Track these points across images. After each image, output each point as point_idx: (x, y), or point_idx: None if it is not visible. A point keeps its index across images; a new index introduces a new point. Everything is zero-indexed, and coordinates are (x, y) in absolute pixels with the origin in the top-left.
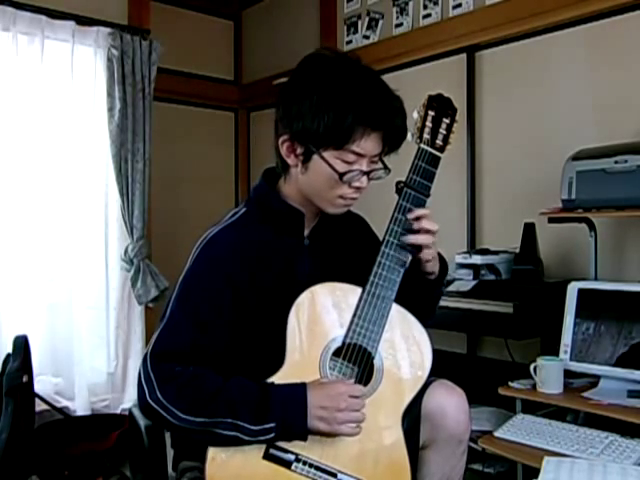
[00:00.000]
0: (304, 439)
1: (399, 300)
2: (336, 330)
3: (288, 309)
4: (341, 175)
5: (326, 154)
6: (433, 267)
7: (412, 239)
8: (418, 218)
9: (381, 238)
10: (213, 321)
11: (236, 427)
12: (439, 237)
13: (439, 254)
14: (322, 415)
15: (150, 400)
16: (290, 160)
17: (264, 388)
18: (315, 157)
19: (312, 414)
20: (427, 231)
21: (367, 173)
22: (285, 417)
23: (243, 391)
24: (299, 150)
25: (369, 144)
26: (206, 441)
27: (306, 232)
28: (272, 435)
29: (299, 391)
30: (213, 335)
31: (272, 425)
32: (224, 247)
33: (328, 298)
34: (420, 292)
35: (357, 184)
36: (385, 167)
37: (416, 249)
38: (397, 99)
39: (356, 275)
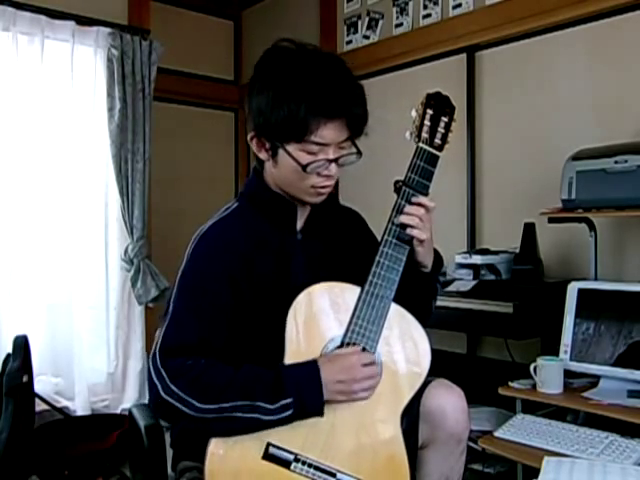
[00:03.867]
0: (321, 414)
1: (396, 298)
2: (335, 330)
3: (284, 305)
4: (304, 167)
5: (289, 147)
6: (424, 257)
7: (402, 218)
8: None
9: (379, 237)
10: (215, 315)
11: (254, 408)
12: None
13: (435, 250)
14: (340, 389)
15: (164, 394)
16: (262, 155)
17: (276, 369)
18: (280, 151)
19: (329, 389)
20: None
21: (334, 160)
22: (301, 392)
23: (256, 374)
24: (267, 145)
25: (328, 133)
26: (226, 429)
27: (299, 225)
28: (290, 412)
29: (311, 367)
30: (216, 329)
31: (289, 401)
32: (219, 240)
33: (326, 298)
34: (414, 285)
35: (325, 172)
36: (357, 151)
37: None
38: (354, 85)
39: (350, 269)
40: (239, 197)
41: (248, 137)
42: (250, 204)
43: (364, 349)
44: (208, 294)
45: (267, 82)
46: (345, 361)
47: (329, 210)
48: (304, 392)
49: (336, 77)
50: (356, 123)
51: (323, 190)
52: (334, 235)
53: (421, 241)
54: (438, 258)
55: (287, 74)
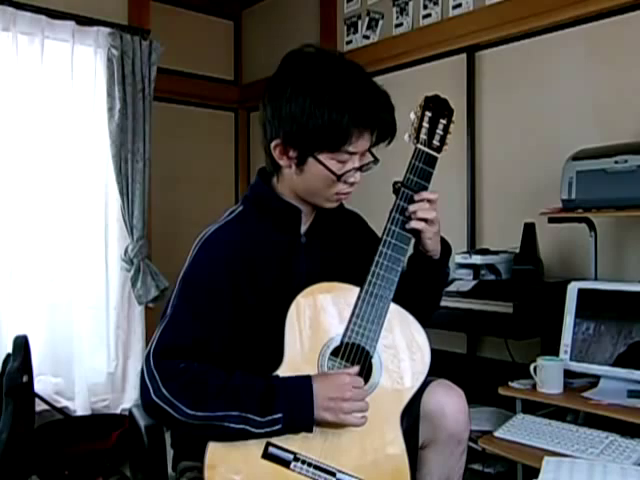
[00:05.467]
0: (310, 430)
1: (407, 287)
2: (334, 330)
3: (286, 308)
4: (339, 176)
5: (321, 156)
6: (434, 245)
7: (413, 224)
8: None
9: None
10: (215, 319)
11: (243, 420)
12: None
13: (443, 239)
14: (328, 405)
15: (155, 397)
16: (283, 162)
17: (269, 380)
18: (310, 159)
19: (318, 405)
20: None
21: (359, 168)
22: (292, 407)
23: (248, 384)
24: (292, 153)
25: (362, 142)
26: (213, 436)
27: (303, 229)
28: (279, 426)
29: (304, 382)
30: (215, 333)
31: (279, 415)
32: (223, 245)
33: (326, 298)
34: (425, 273)
35: (352, 180)
36: (375, 159)
37: (414, 233)
38: (384, 94)
39: (354, 272)
40: (243, 201)
41: (272, 144)
42: (255, 208)
43: (364, 349)
44: (209, 298)
45: (301, 88)
46: (338, 379)
47: (333, 213)
48: (294, 408)
49: (369, 86)
50: (386, 132)
51: (344, 197)
52: (337, 238)
53: (429, 221)
54: (446, 246)
55: (324, 81)
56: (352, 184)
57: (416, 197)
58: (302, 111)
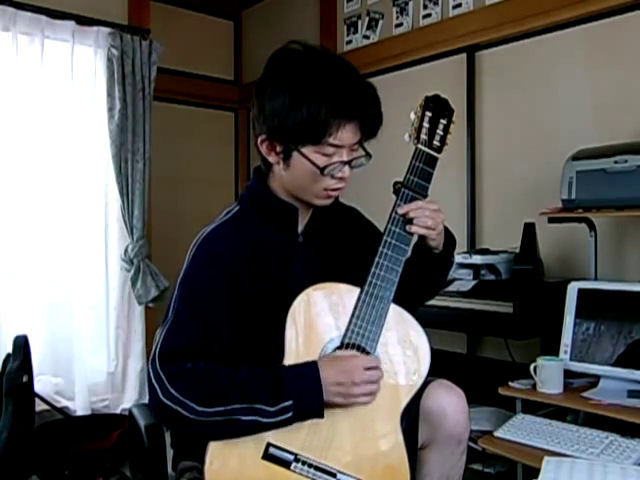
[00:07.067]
0: (321, 415)
1: (410, 273)
2: (334, 331)
3: (285, 309)
4: (322, 169)
5: (305, 150)
6: (438, 242)
7: (414, 229)
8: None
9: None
10: (217, 319)
11: (254, 411)
12: None
13: (446, 228)
14: (339, 391)
15: (163, 398)
16: (271, 158)
17: (276, 370)
18: (295, 154)
19: (328, 390)
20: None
21: (348, 162)
22: (301, 394)
23: (256, 376)
24: (278, 148)
25: (346, 135)
26: (226, 432)
27: (300, 228)
28: (290, 414)
29: (311, 368)
30: (218, 333)
31: (289, 403)
32: (221, 244)
33: (325, 299)
34: (429, 263)
35: (340, 174)
36: (366, 153)
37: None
38: (369, 86)
39: (353, 271)
40: (240, 200)
41: (258, 140)
42: (252, 207)
43: (364, 350)
44: (209, 298)
45: (282, 84)
46: (346, 363)
47: (330, 211)
48: (303, 394)
49: (351, 78)
50: (371, 124)
51: (334, 193)
52: (335, 236)
53: (432, 239)
54: (451, 238)
55: (303, 76)
56: (341, 179)
57: (411, 206)
58: (282, 106)
